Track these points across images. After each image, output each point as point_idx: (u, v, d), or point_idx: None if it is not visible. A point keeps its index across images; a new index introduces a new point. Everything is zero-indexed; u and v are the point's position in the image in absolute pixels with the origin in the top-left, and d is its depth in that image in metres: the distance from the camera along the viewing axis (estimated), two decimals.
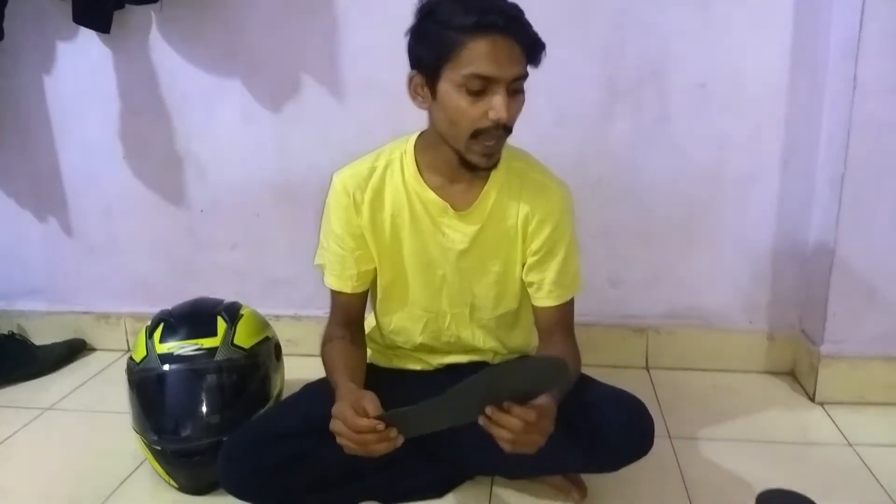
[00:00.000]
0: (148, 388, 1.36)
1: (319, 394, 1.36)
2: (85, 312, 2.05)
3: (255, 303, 1.56)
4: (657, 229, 1.78)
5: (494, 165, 1.16)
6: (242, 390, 1.39)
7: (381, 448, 1.05)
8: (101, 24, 1.75)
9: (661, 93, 1.70)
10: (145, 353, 1.37)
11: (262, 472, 1.21)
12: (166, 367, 1.35)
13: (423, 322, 1.32)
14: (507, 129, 1.11)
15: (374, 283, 1.32)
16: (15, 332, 1.98)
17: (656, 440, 1.22)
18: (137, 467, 1.44)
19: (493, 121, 1.07)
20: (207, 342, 1.37)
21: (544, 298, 1.26)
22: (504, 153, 1.23)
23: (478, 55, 1.04)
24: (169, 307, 1.47)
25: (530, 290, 1.27)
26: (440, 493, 1.33)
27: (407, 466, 1.31)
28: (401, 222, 1.24)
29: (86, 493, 1.36)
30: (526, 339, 1.38)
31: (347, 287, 1.29)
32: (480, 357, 1.35)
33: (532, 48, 1.08)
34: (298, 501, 1.27)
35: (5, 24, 1.78)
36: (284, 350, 1.56)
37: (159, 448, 1.33)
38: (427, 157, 1.21)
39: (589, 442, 1.17)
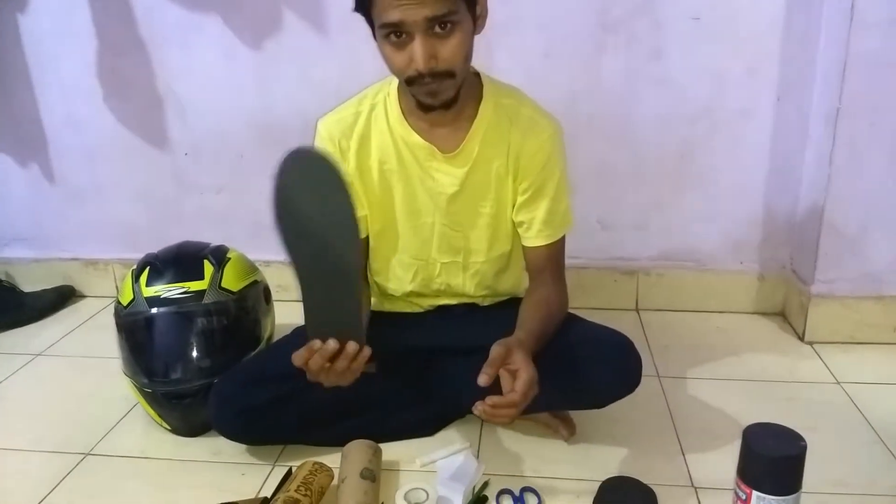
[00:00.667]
0: (136, 331, 1.35)
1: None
2: (72, 259, 2.03)
3: (244, 248, 1.54)
4: (649, 169, 1.76)
5: (449, 104, 1.12)
6: (232, 333, 1.38)
7: (342, 366, 1.02)
8: None
9: (653, 26, 1.65)
10: (132, 296, 1.36)
11: (252, 413, 1.22)
12: (154, 310, 1.33)
13: (413, 270, 1.30)
14: (443, 73, 1.05)
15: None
16: (3, 279, 1.96)
17: (645, 379, 1.23)
18: (129, 410, 1.44)
19: (416, 70, 1.04)
20: (194, 285, 1.35)
21: (534, 238, 1.24)
22: (492, 89, 1.21)
23: (384, 4, 1.01)
24: (155, 251, 1.45)
25: (520, 230, 1.26)
26: (431, 431, 1.34)
27: (397, 404, 1.32)
28: (389, 168, 1.22)
29: (78, 437, 1.36)
30: (515, 282, 1.37)
31: None
32: (470, 300, 1.35)
33: None
34: (290, 440, 1.28)
35: None
36: (274, 296, 1.55)
37: (150, 391, 1.33)
38: (408, 100, 1.18)
39: (576, 379, 1.18)
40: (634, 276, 1.85)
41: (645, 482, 1.12)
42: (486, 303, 1.36)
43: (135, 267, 1.41)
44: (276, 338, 1.47)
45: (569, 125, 1.27)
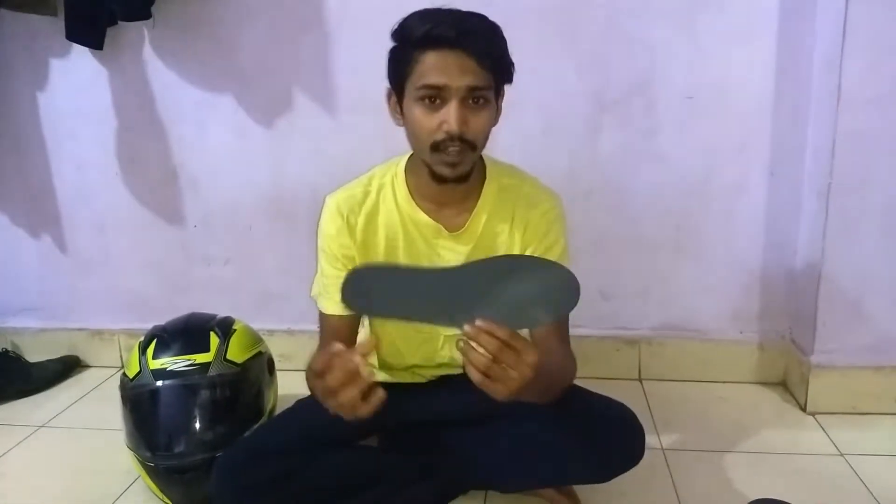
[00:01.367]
0: (141, 404, 1.36)
1: (313, 409, 1.36)
2: (79, 329, 2.05)
3: (249, 318, 1.57)
4: (647, 241, 1.80)
5: (463, 178, 1.15)
6: (235, 405, 1.39)
7: (354, 389, 0.90)
8: (93, 40, 1.77)
9: (648, 105, 1.72)
10: (139, 368, 1.38)
11: (255, 489, 1.21)
12: (159, 382, 1.35)
13: (417, 344, 1.32)
14: (467, 143, 1.09)
15: None
16: (9, 349, 1.98)
17: (649, 451, 1.23)
18: (131, 484, 1.43)
19: (446, 132, 1.07)
20: (200, 357, 1.37)
21: None
22: (495, 170, 1.25)
23: (429, 67, 1.06)
24: (162, 323, 1.47)
25: None
26: None
27: (401, 480, 1.31)
28: (395, 246, 1.24)
29: None
30: None
31: (340, 311, 1.22)
32: None
33: (491, 61, 1.08)
34: None
35: None
36: (278, 365, 1.56)
37: (152, 465, 1.33)
38: (416, 179, 1.22)
39: (579, 452, 1.18)
40: (636, 346, 1.86)
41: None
42: None
43: (142, 339, 1.43)
44: (278, 409, 1.47)
45: (568, 199, 1.31)
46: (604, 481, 1.24)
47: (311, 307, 1.91)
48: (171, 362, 1.36)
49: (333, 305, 1.23)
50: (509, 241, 1.24)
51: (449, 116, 1.06)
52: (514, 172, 1.28)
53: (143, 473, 1.36)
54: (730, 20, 1.65)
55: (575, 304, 0.93)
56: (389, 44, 1.13)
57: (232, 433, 1.34)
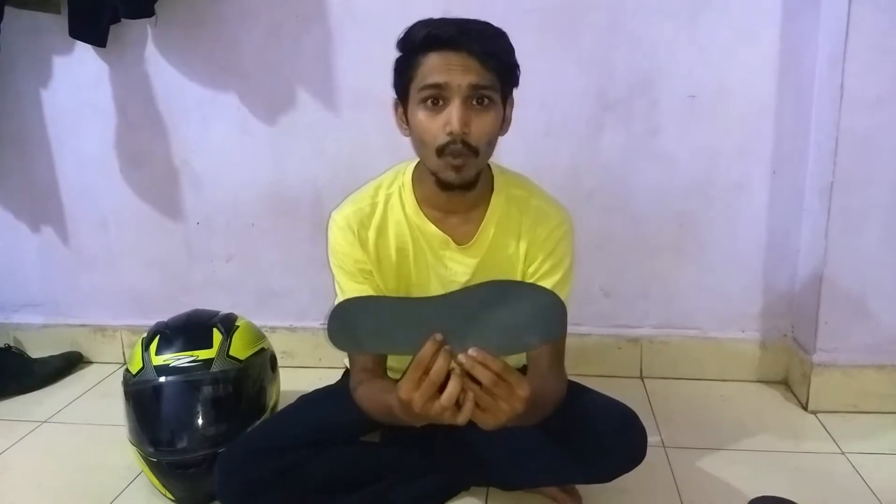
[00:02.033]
0: (144, 400, 1.36)
1: (315, 405, 1.38)
2: (81, 325, 2.06)
3: (251, 315, 1.57)
4: (649, 240, 1.80)
5: (469, 184, 1.15)
6: (238, 401, 1.39)
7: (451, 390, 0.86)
8: (96, 38, 1.77)
9: (651, 105, 1.72)
10: (141, 365, 1.38)
11: (258, 484, 1.22)
12: (162, 378, 1.35)
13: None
14: (471, 148, 1.08)
15: None
16: (11, 345, 1.98)
17: (650, 449, 1.23)
18: (134, 480, 1.44)
19: (449, 133, 1.06)
20: (203, 354, 1.38)
21: None
22: (503, 181, 1.24)
23: (430, 68, 1.06)
24: (165, 319, 1.47)
25: None
26: None
27: (403, 476, 1.32)
28: (405, 256, 1.24)
29: None
30: (519, 357, 1.39)
31: None
32: None
33: (494, 61, 1.07)
34: None
35: (1, 38, 1.79)
36: (280, 362, 1.57)
37: (155, 460, 1.34)
38: (423, 189, 1.21)
39: (581, 452, 1.18)
40: (638, 344, 1.86)
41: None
42: None
43: (145, 335, 1.43)
44: (281, 406, 1.48)
45: (570, 198, 1.32)
46: (606, 481, 1.24)
47: (313, 304, 1.93)
48: (174, 358, 1.37)
49: None
50: (515, 256, 1.24)
51: (451, 117, 1.06)
52: (523, 183, 1.27)
53: (146, 469, 1.37)
54: (732, 20, 1.65)
55: (563, 329, 0.93)
56: (391, 39, 1.12)
57: (234, 429, 1.35)
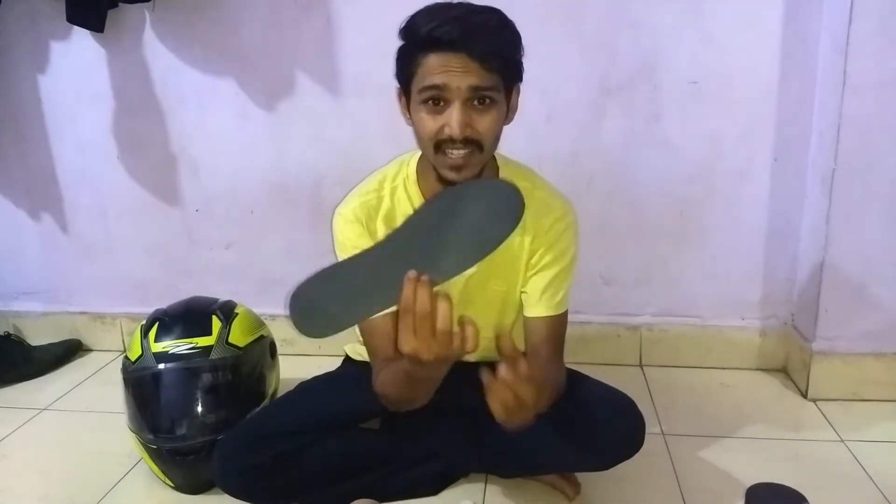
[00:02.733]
0: (143, 387, 1.36)
1: (314, 392, 1.38)
2: (81, 313, 2.05)
3: (251, 302, 1.57)
4: (650, 227, 1.79)
5: (466, 179, 1.13)
6: (237, 389, 1.39)
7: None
8: (94, 23, 1.75)
9: (653, 90, 1.71)
10: (140, 352, 1.38)
11: (256, 471, 1.22)
12: (161, 365, 1.35)
13: None
14: (473, 143, 1.07)
15: None
16: (11, 332, 1.98)
17: (649, 437, 1.23)
18: (133, 466, 1.44)
19: (448, 134, 1.05)
20: (202, 341, 1.37)
21: (534, 306, 1.23)
22: (508, 172, 1.23)
23: (430, 69, 1.04)
24: (164, 307, 1.47)
25: (523, 298, 1.26)
26: (435, 490, 1.34)
27: (401, 462, 1.32)
28: None
29: (82, 493, 1.36)
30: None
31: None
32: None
33: (497, 61, 1.04)
34: (293, 500, 1.27)
35: None
36: (280, 350, 1.57)
37: (155, 447, 1.34)
38: (428, 181, 1.20)
39: (580, 440, 1.18)
40: (637, 332, 1.86)
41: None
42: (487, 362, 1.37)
43: (144, 322, 1.43)
44: (280, 393, 1.48)
45: (571, 185, 1.31)
46: (604, 469, 1.25)
47: None
48: (174, 345, 1.37)
49: None
50: (519, 247, 1.23)
51: (451, 119, 1.04)
52: (526, 174, 1.26)
53: (146, 456, 1.37)
54: (735, 4, 1.64)
55: (522, 208, 0.88)
56: (392, 25, 1.10)
57: (234, 416, 1.35)
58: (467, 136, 1.05)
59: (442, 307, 0.84)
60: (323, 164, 1.84)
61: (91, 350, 2.05)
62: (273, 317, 1.81)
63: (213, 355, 1.37)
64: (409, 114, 1.12)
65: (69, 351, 2.00)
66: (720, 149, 1.73)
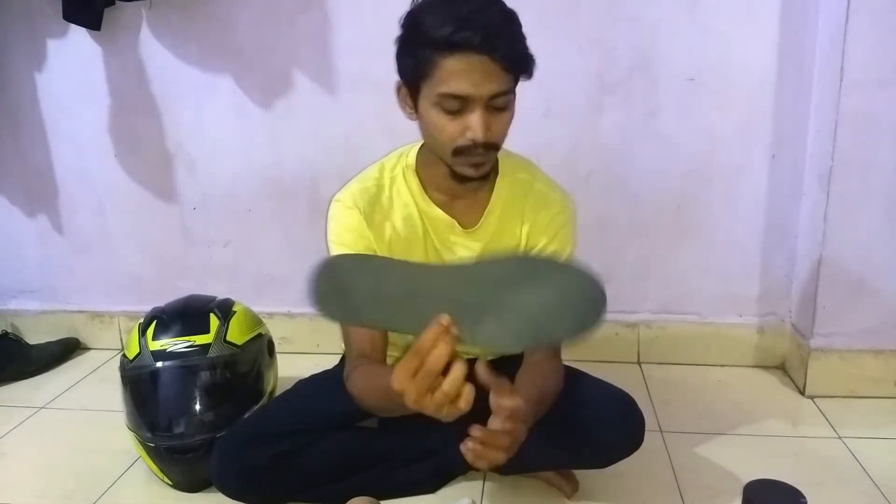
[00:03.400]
0: (141, 385, 1.36)
1: (312, 391, 1.37)
2: (78, 311, 2.05)
3: (248, 300, 1.57)
4: (647, 223, 1.79)
5: (486, 176, 1.14)
6: (235, 387, 1.39)
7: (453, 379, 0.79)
8: (91, 21, 1.75)
9: (650, 86, 1.70)
10: (138, 350, 1.37)
11: (255, 470, 1.22)
12: (159, 363, 1.35)
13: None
14: (492, 146, 1.07)
15: None
16: (8, 331, 1.97)
17: (648, 434, 1.24)
18: (132, 465, 1.44)
19: (471, 140, 1.05)
20: (200, 339, 1.37)
21: None
22: (508, 164, 1.23)
23: (451, 74, 1.01)
24: (162, 305, 1.47)
25: None
26: (433, 488, 1.34)
27: (400, 460, 1.32)
28: (411, 241, 1.21)
29: (80, 491, 1.36)
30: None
31: None
32: (472, 356, 1.35)
33: (515, 63, 1.04)
34: (291, 499, 1.27)
35: None
36: (278, 348, 1.56)
37: (153, 445, 1.34)
38: (428, 172, 1.20)
39: (579, 439, 1.18)
40: (635, 329, 1.86)
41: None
42: (488, 358, 1.37)
43: (142, 320, 1.43)
44: (278, 391, 1.48)
45: (569, 181, 1.31)
46: (603, 467, 1.25)
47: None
48: (171, 343, 1.36)
49: None
50: (517, 239, 1.23)
51: (473, 124, 1.03)
52: (526, 167, 1.26)
53: (144, 454, 1.37)
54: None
55: (600, 318, 0.77)
56: (389, 20, 1.09)
57: (232, 414, 1.35)
58: (487, 138, 1.05)
59: (455, 372, 0.78)
60: (320, 161, 1.84)
61: (89, 348, 2.05)
62: (271, 315, 1.82)
63: (211, 353, 1.37)
64: (413, 108, 1.11)
65: (67, 349, 2.00)
66: (717, 144, 1.73)
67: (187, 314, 1.42)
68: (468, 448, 0.91)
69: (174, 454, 1.33)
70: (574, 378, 1.26)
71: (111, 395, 1.47)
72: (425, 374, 0.78)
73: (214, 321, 1.40)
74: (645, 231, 1.80)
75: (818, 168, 1.62)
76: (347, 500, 1.20)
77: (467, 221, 1.22)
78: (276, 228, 1.91)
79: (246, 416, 1.36)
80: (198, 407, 1.35)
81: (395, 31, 1.09)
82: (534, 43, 1.08)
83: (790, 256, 1.76)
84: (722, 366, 1.82)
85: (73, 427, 1.63)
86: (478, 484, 1.35)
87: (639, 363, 1.86)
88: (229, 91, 1.82)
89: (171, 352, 1.35)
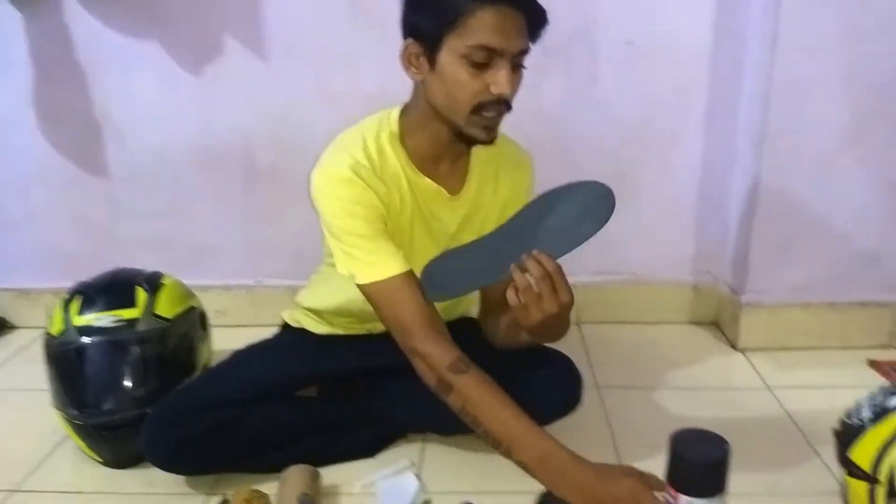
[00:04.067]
0: (66, 362, 1.32)
1: (250, 360, 1.35)
2: (4, 289, 1.97)
3: (182, 273, 1.52)
4: None
5: (493, 140, 1.13)
6: (166, 361, 1.35)
7: None
8: None
9: (590, 51, 1.70)
10: (63, 326, 1.33)
11: (187, 442, 1.20)
12: (85, 339, 1.30)
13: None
14: (507, 105, 1.09)
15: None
16: None
17: (586, 391, 1.26)
18: (60, 444, 1.39)
19: (496, 95, 1.04)
20: (127, 313, 1.33)
21: None
22: None
23: (486, 25, 1.01)
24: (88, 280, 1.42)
25: None
26: (373, 452, 1.33)
27: (338, 428, 1.31)
28: (402, 210, 1.19)
29: (5, 473, 1.31)
30: (469, 304, 1.41)
31: (401, 262, 1.11)
32: None
33: (537, 22, 1.07)
34: (227, 469, 1.25)
35: None
36: (214, 321, 1.53)
37: (81, 423, 1.30)
38: (413, 138, 1.17)
39: (517, 399, 1.18)
40: (574, 291, 1.87)
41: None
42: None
43: (65, 296, 1.38)
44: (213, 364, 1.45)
45: None
46: (542, 426, 1.26)
47: (247, 261, 1.89)
48: (97, 318, 1.32)
49: (397, 261, 1.11)
50: (493, 201, 1.25)
51: (501, 80, 1.03)
52: None
53: (72, 432, 1.33)
54: None
55: (612, 206, 1.01)
56: None
57: (163, 389, 1.31)
58: (510, 97, 1.06)
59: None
60: (254, 130, 1.79)
61: (16, 327, 1.98)
62: (206, 288, 1.78)
63: (140, 327, 1.33)
64: (431, 65, 1.07)
65: None
66: (655, 109, 1.74)
67: (113, 288, 1.38)
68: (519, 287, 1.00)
69: (103, 431, 1.30)
70: None
71: (38, 374, 1.41)
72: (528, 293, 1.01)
73: (142, 294, 1.36)
74: None
75: (751, 133, 1.65)
76: (285, 469, 1.19)
77: (451, 188, 1.21)
78: (208, 199, 1.85)
79: (178, 388, 1.33)
80: (127, 383, 1.31)
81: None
82: None
83: (724, 218, 1.79)
84: (658, 323, 1.87)
85: (0, 408, 1.57)
86: (417, 445, 1.35)
87: (578, 323, 1.88)
88: (157, 58, 1.75)
89: (97, 327, 1.31)
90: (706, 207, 1.81)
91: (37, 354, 1.48)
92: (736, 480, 0.93)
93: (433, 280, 1.08)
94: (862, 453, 1.02)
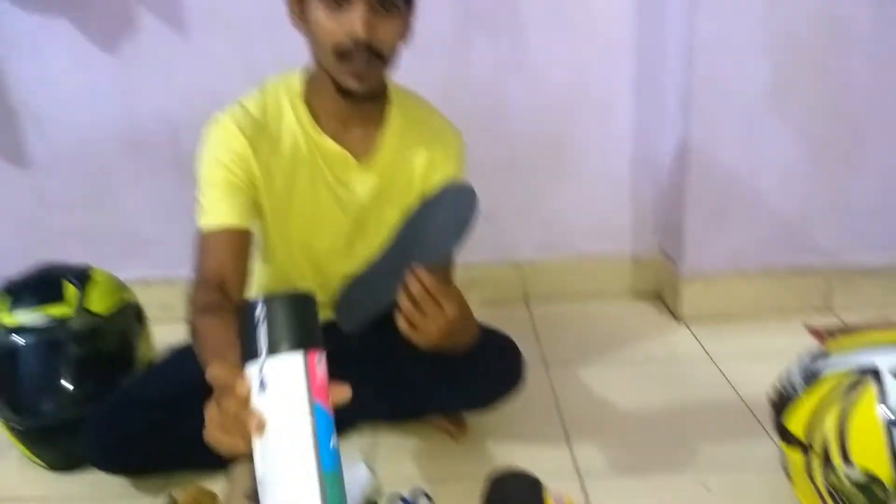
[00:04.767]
0: None
1: (189, 355, 1.30)
2: None
3: (119, 267, 1.46)
4: (523, 160, 1.80)
5: (371, 92, 1.10)
6: (102, 359, 1.30)
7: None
8: None
9: (514, 14, 1.68)
10: None
11: (128, 443, 1.16)
12: (15, 338, 1.25)
13: (314, 287, 1.24)
14: (376, 54, 1.04)
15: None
16: None
17: (533, 370, 1.27)
18: (3, 450, 1.33)
19: (352, 38, 1.01)
20: (57, 310, 1.27)
21: None
22: (399, 94, 1.20)
23: None
24: (13, 277, 1.34)
25: None
26: None
27: None
28: (295, 174, 1.15)
29: None
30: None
31: (234, 217, 1.07)
32: None
33: None
34: (171, 469, 1.22)
35: None
36: (157, 315, 1.48)
37: (20, 428, 1.25)
38: (318, 99, 1.14)
39: (461, 381, 1.19)
40: (520, 269, 1.88)
41: (531, 472, 1.12)
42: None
43: None
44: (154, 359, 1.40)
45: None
46: (485, 408, 1.27)
47: (188, 251, 1.81)
48: (26, 317, 1.26)
49: (225, 210, 1.07)
50: (413, 173, 1.20)
51: (356, 21, 0.99)
52: (418, 100, 1.23)
53: (11, 437, 1.28)
54: None
55: (474, 209, 0.98)
56: None
57: (101, 387, 1.25)
58: (370, 42, 1.01)
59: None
60: (178, 111, 1.71)
61: None
62: (146, 280, 1.71)
63: (73, 325, 1.27)
64: (303, 20, 1.05)
65: None
66: (584, 77, 1.74)
67: (40, 285, 1.31)
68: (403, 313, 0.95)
69: (42, 434, 1.25)
70: None
71: None
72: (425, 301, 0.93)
73: (71, 290, 1.30)
74: (522, 169, 1.81)
75: (678, 95, 1.65)
76: (231, 466, 1.16)
77: (360, 153, 1.17)
78: (137, 187, 1.78)
79: (117, 387, 1.28)
80: (63, 383, 1.26)
81: None
82: None
83: (658, 185, 1.81)
84: (601, 298, 1.88)
85: None
86: (369, 438, 1.34)
87: (525, 301, 1.89)
88: (70, 37, 1.66)
89: (27, 327, 1.25)
90: (641, 176, 1.82)
91: None
92: (681, 454, 0.95)
93: (344, 312, 1.06)
94: (796, 421, 1.03)
